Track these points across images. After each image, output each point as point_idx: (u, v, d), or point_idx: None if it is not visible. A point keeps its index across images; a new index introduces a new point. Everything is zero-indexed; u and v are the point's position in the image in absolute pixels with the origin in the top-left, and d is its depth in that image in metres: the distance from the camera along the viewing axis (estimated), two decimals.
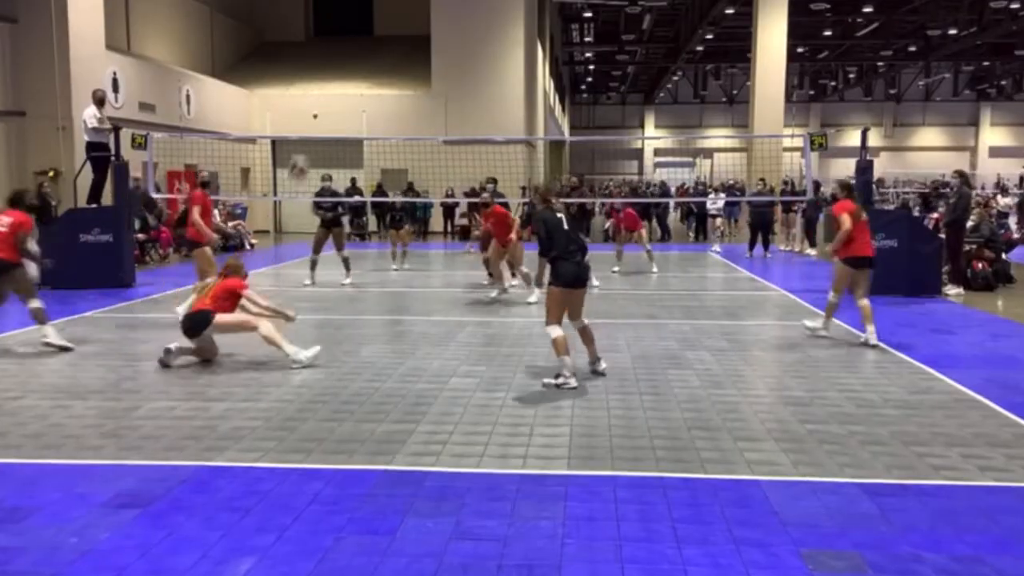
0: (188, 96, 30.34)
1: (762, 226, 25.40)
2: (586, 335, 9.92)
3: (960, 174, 17.99)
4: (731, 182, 39.14)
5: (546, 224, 9.53)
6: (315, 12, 42.40)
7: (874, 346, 11.48)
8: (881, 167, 56.75)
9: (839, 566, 5.07)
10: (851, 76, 71.54)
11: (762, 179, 30.92)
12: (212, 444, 7.26)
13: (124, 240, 17.32)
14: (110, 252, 17.02)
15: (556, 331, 9.43)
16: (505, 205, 18.46)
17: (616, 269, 20.13)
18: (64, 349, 11.12)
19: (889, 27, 49.86)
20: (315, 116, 33.79)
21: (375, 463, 6.80)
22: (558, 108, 60.94)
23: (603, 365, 9.95)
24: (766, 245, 25.45)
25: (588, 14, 49.21)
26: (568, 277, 9.42)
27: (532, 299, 15.16)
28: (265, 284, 17.43)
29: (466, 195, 28.84)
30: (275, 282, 18.78)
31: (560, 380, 9.26)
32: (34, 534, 5.47)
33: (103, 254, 16.94)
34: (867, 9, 44.51)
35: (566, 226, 9.56)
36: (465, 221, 33.25)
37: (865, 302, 11.73)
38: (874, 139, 54.78)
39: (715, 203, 29.33)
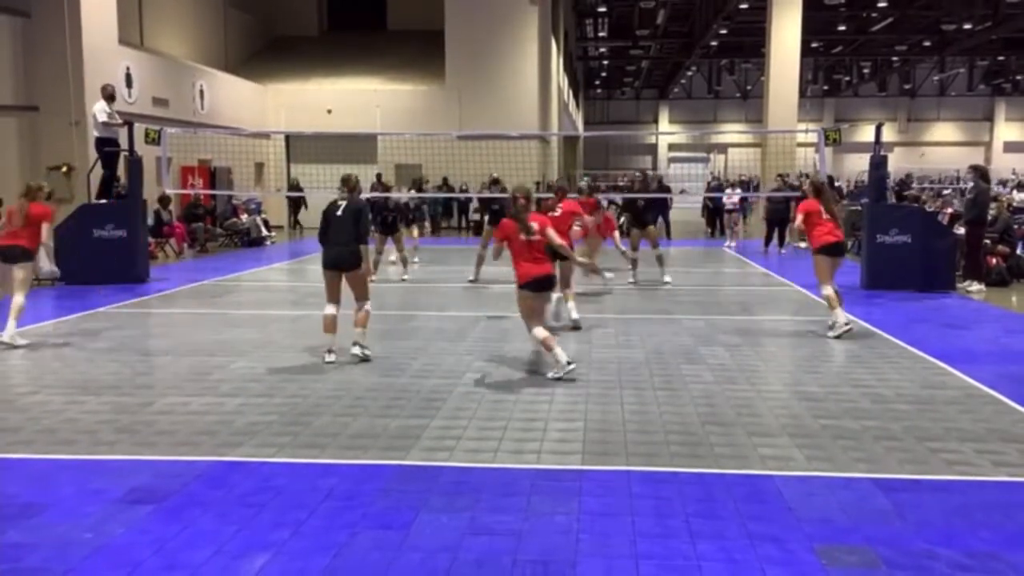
0: (201, 91, 30.36)
1: (779, 222, 25.27)
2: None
3: (976, 169, 17.80)
4: (745, 178, 39.09)
5: None
6: (328, 6, 42.38)
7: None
8: (895, 162, 56.48)
9: (853, 561, 5.06)
10: (865, 71, 71.23)
11: (780, 175, 30.84)
12: (227, 439, 7.28)
13: (138, 235, 17.36)
14: (124, 247, 17.04)
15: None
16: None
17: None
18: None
19: (904, 22, 49.63)
20: (329, 111, 33.79)
21: (389, 458, 6.81)
22: (572, 103, 60.85)
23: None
24: (781, 241, 25.35)
25: (602, 9, 49.08)
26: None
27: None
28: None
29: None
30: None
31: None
32: (48, 530, 5.48)
33: (117, 249, 16.97)
34: (882, 4, 44.31)
35: None
36: (478, 216, 33.24)
37: None
38: (888, 134, 54.47)
39: (731, 198, 29.22)
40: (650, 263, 17.86)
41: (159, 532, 5.44)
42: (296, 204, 33.03)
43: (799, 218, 12.41)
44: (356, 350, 10.36)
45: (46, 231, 11.92)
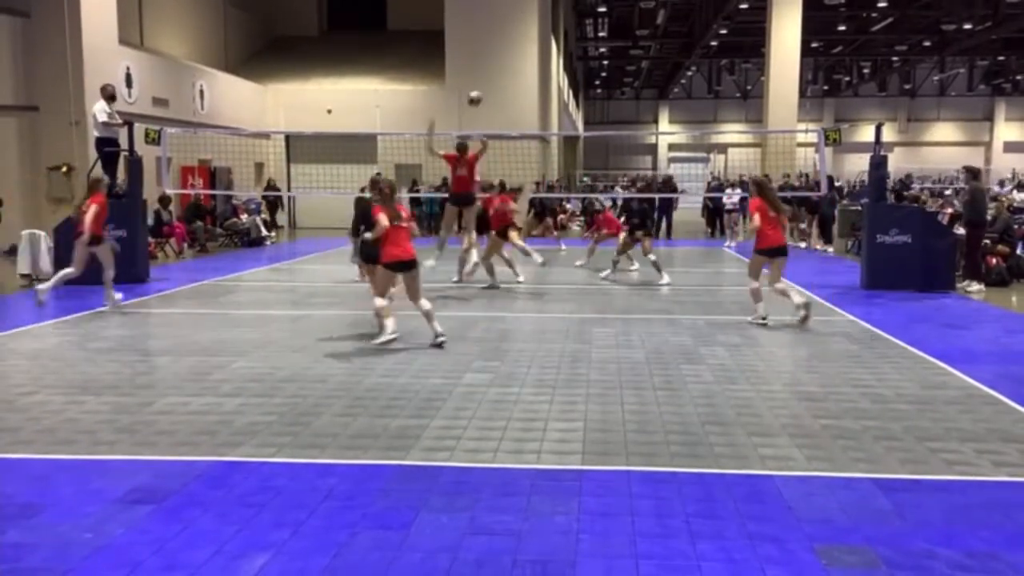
0: (202, 91, 30.37)
1: None
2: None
3: (969, 170, 17.83)
4: (746, 177, 39.07)
5: None
6: (328, 6, 42.39)
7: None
8: (895, 162, 56.45)
9: (852, 561, 5.06)
10: (865, 71, 71.15)
11: (766, 175, 30.89)
12: (227, 439, 7.27)
13: (138, 235, 17.33)
14: (124, 247, 16.95)
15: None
16: None
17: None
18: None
19: (904, 22, 49.60)
20: (329, 111, 33.78)
21: (389, 458, 6.81)
22: (572, 103, 60.84)
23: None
24: None
25: (602, 9, 49.10)
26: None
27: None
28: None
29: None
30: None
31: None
32: (47, 530, 5.48)
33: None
34: (882, 4, 44.31)
35: None
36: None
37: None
38: (888, 134, 54.43)
39: (731, 198, 29.19)
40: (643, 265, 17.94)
41: (159, 532, 5.43)
42: (273, 205, 32.53)
43: (755, 218, 12.85)
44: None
45: (89, 215, 13.88)
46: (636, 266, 19.31)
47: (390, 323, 10.94)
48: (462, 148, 16.24)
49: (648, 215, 18.48)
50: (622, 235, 18.98)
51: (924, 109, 76.87)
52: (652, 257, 17.89)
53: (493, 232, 16.77)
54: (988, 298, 15.69)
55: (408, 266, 11.08)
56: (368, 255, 11.66)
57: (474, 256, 16.54)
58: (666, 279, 17.43)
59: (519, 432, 7.49)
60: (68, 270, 14.04)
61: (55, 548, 5.21)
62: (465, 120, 32.82)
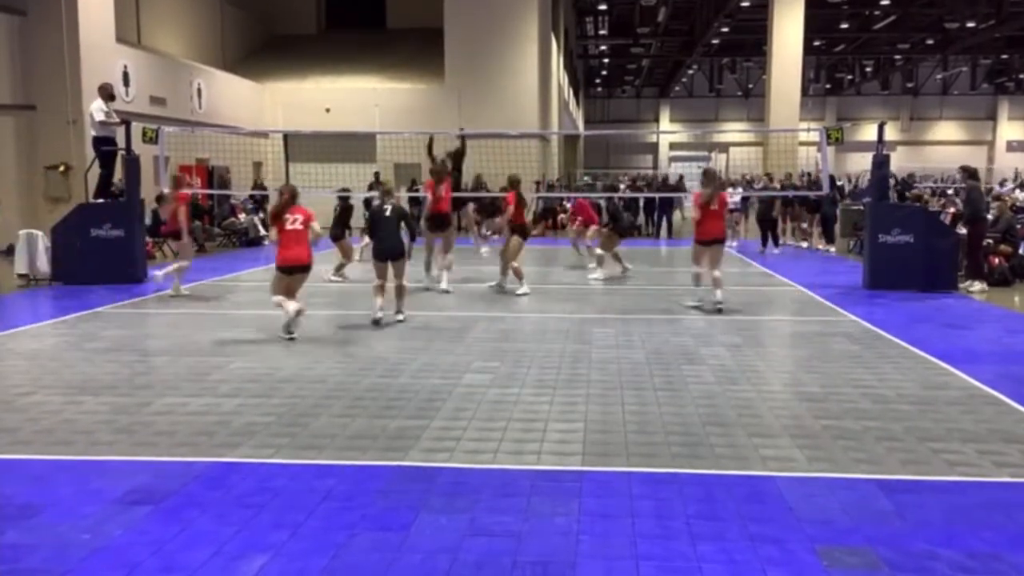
0: (199, 90, 30.32)
1: (768, 222, 25.25)
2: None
3: (965, 169, 17.83)
4: (748, 177, 39.12)
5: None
6: (327, 4, 42.36)
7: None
8: (898, 161, 56.41)
9: (854, 562, 5.04)
10: (868, 70, 71.05)
11: (767, 174, 30.89)
12: (225, 440, 7.25)
13: (136, 235, 17.27)
14: (121, 247, 16.94)
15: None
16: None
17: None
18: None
19: (906, 20, 49.62)
20: (327, 110, 33.73)
21: (388, 459, 6.78)
22: (572, 102, 60.81)
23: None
24: (776, 241, 25.23)
25: (603, 7, 49.07)
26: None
27: (521, 291, 15.88)
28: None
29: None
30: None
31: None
32: (46, 531, 5.46)
33: (114, 249, 16.87)
34: (884, 2, 44.33)
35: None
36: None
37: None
38: (891, 133, 54.16)
39: (732, 197, 29.16)
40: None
41: (157, 533, 5.42)
42: (260, 206, 31.74)
43: (697, 212, 14.26)
44: (400, 316, 12.86)
45: (182, 214, 15.74)
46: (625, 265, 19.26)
47: (291, 305, 11.54)
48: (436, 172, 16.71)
49: (615, 213, 18.89)
50: (592, 227, 19.23)
51: (927, 108, 76.80)
52: (599, 251, 18.45)
53: (510, 232, 16.36)
54: (990, 298, 15.65)
55: (298, 270, 11.78)
56: (380, 254, 12.84)
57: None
58: (599, 275, 18.01)
59: (519, 433, 7.46)
60: (183, 263, 15.73)
61: (54, 549, 5.19)
62: (464, 119, 32.82)
